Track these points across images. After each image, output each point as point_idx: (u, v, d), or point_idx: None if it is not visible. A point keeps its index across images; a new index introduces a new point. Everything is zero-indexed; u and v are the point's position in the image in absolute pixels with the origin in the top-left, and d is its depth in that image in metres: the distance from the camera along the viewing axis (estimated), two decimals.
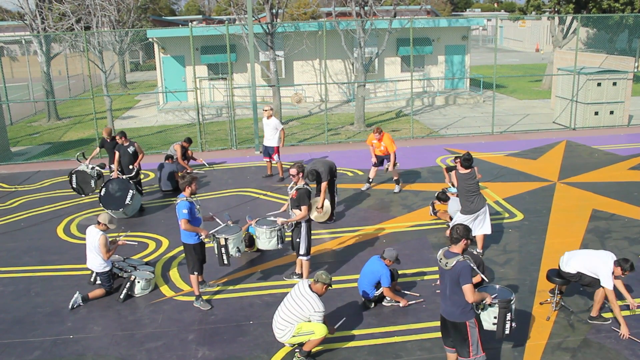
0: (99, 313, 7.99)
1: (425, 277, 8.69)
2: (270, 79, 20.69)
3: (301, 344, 6.71)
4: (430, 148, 16.65)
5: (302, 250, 8.34)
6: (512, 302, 6.16)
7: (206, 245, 8.18)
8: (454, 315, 5.78)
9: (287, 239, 8.69)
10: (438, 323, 7.30)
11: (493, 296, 6.08)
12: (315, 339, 6.59)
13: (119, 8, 20.67)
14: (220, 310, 7.97)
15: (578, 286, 7.57)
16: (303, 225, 8.25)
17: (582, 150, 15.83)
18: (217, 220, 8.56)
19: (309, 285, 6.76)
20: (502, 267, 8.95)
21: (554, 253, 9.19)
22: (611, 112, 18.61)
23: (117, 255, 9.12)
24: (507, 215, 11.14)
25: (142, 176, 12.87)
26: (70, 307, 8.08)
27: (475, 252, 7.90)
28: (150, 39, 25.33)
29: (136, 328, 7.59)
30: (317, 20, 31.70)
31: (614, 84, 18.25)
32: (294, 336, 6.64)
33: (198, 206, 7.93)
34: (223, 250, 8.07)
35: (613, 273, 6.99)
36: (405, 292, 8.21)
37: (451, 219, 9.93)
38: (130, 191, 11.43)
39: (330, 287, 6.92)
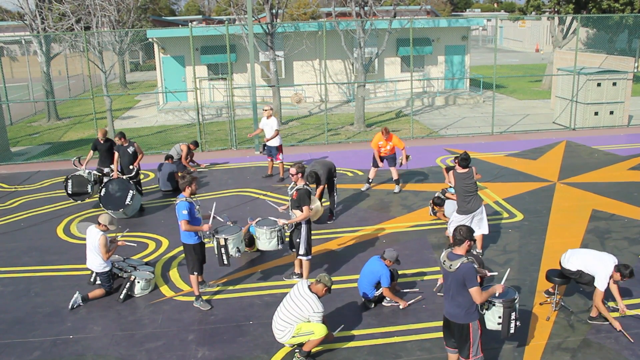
0: (99, 313, 7.99)
1: (425, 278, 8.69)
2: (270, 79, 20.70)
3: (301, 344, 6.71)
4: (430, 148, 16.66)
5: (302, 251, 8.34)
6: (516, 301, 6.17)
7: (206, 246, 8.19)
8: (458, 317, 5.77)
9: (287, 239, 8.70)
10: (438, 323, 7.32)
11: (497, 294, 6.07)
12: (314, 339, 6.59)
13: (119, 8, 20.67)
14: (220, 310, 7.97)
15: (578, 286, 7.56)
16: (303, 225, 8.25)
17: (582, 151, 15.83)
18: (218, 218, 8.57)
19: (309, 286, 6.76)
20: (502, 267, 8.94)
21: (553, 253, 9.19)
22: (611, 112, 18.61)
23: (117, 256, 9.12)
24: (507, 215, 11.15)
25: (142, 176, 12.85)
26: (70, 307, 8.09)
27: (475, 253, 7.91)
28: (150, 39, 25.33)
29: (136, 328, 7.59)
30: (317, 21, 31.72)
31: (614, 84, 18.25)
32: (293, 336, 6.65)
33: (198, 206, 7.93)
34: (223, 250, 8.07)
35: (612, 277, 7.00)
36: (405, 290, 8.20)
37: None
38: (131, 191, 11.43)
39: (329, 292, 6.92)
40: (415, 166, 14.64)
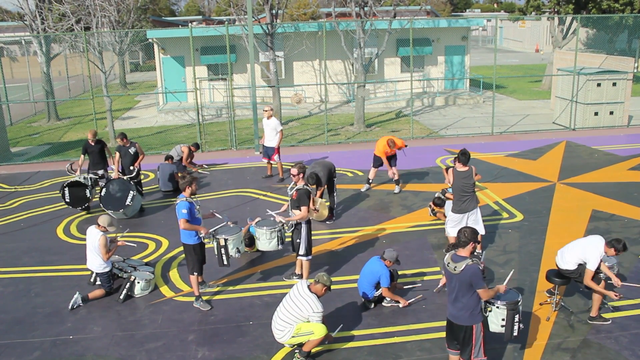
0: (99, 313, 7.99)
1: (425, 278, 8.69)
2: (270, 79, 20.69)
3: (301, 345, 6.71)
4: (430, 148, 16.66)
5: (302, 251, 8.34)
6: (519, 303, 6.17)
7: (206, 246, 8.19)
8: (462, 319, 5.77)
9: (287, 240, 8.70)
10: (438, 324, 7.34)
11: (501, 295, 6.08)
12: (314, 339, 6.60)
13: (119, 9, 20.64)
14: (220, 310, 7.97)
15: (578, 286, 7.56)
16: (303, 225, 8.26)
17: (582, 151, 15.84)
18: (217, 215, 8.58)
19: (308, 286, 6.77)
20: (502, 267, 8.95)
21: (553, 254, 9.13)
22: (611, 113, 18.61)
23: (117, 256, 9.12)
24: (506, 215, 11.15)
25: (142, 177, 12.85)
26: (70, 307, 8.09)
27: (475, 253, 7.90)
28: (150, 40, 25.33)
29: (136, 328, 7.59)
30: (317, 21, 31.73)
31: (614, 84, 18.26)
32: (293, 337, 6.65)
33: (198, 206, 7.93)
34: (223, 250, 8.08)
35: (606, 254, 7.07)
36: (405, 286, 8.19)
37: None
38: (131, 192, 11.43)
39: (329, 291, 6.93)
40: (415, 166, 14.65)
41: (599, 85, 18.17)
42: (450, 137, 18.18)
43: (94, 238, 8.25)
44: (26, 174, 15.47)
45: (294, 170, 8.31)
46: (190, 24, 25.20)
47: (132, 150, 12.00)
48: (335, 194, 11.35)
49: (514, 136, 18.05)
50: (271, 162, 13.90)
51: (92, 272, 8.63)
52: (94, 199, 12.11)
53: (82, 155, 12.36)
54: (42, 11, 21.70)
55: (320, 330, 6.60)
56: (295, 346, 6.79)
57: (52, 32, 21.23)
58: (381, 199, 12.36)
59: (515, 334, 6.20)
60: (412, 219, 11.13)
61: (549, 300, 7.72)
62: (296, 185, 8.34)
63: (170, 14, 63.58)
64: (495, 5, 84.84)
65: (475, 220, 8.89)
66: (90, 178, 11.99)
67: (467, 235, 5.68)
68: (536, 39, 54.09)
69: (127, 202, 11.38)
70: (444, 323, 6.15)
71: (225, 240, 8.05)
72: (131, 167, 11.95)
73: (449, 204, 10.38)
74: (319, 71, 25.72)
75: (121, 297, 8.28)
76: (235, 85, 22.63)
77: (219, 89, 24.63)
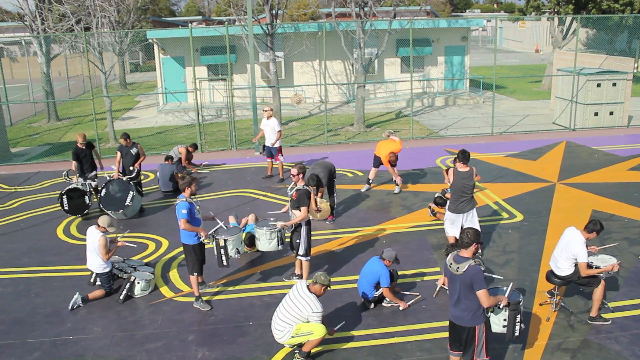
0: (99, 314, 7.99)
1: (425, 278, 8.69)
2: (270, 79, 20.69)
3: (300, 345, 6.71)
4: (430, 149, 16.66)
5: (301, 251, 8.34)
6: (521, 303, 6.16)
7: (206, 247, 8.19)
8: (464, 320, 5.76)
9: (287, 240, 8.70)
10: (438, 324, 7.34)
11: (501, 306, 6.06)
12: (314, 339, 6.60)
13: (119, 9, 20.62)
14: (220, 311, 7.97)
15: (578, 287, 7.56)
16: (303, 226, 8.25)
17: (582, 151, 15.84)
18: (218, 220, 8.57)
19: (307, 286, 6.77)
20: (502, 267, 8.95)
21: None
22: (611, 113, 18.61)
23: (117, 257, 9.13)
24: (506, 216, 11.15)
25: (142, 177, 12.85)
26: (70, 307, 8.09)
27: (477, 254, 7.89)
28: (150, 40, 25.33)
29: (136, 329, 7.59)
30: (317, 21, 31.72)
31: (614, 84, 18.26)
32: (292, 337, 6.65)
33: (198, 207, 7.93)
34: (222, 251, 8.08)
35: (588, 239, 7.10)
36: (404, 292, 8.20)
37: None
38: (131, 192, 11.43)
39: (329, 289, 6.93)
40: (415, 167, 14.65)
41: (598, 85, 18.18)
42: (450, 138, 18.18)
43: (94, 238, 8.25)
44: (26, 175, 15.47)
45: (294, 171, 8.31)
46: (190, 24, 25.20)
47: (133, 150, 11.99)
48: (335, 195, 11.36)
49: (513, 136, 18.05)
50: (275, 161, 13.90)
51: (92, 273, 8.63)
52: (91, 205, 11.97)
53: (74, 162, 11.86)
54: (42, 12, 21.70)
55: (319, 331, 6.60)
56: (295, 346, 6.79)
57: (52, 32, 21.23)
58: (381, 199, 12.36)
59: (516, 334, 6.20)
60: (412, 219, 11.13)
61: (549, 300, 7.72)
62: (296, 185, 8.34)
63: (170, 15, 63.59)
64: (495, 6, 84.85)
65: (471, 222, 8.89)
66: (90, 184, 11.83)
67: (470, 236, 5.66)
68: (536, 39, 54.11)
69: (127, 203, 11.37)
70: (444, 323, 6.15)
71: (225, 241, 8.05)
72: (131, 168, 11.95)
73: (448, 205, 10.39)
74: (319, 71, 25.72)
75: (121, 297, 8.28)
76: (235, 85, 22.64)
77: (218, 89, 24.64)
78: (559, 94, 19.58)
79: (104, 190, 11.56)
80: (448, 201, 10.32)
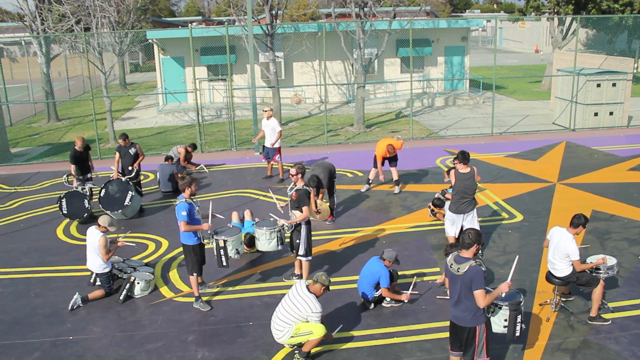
0: (99, 314, 7.99)
1: (425, 278, 8.69)
2: (269, 80, 20.70)
3: (300, 345, 6.71)
4: (429, 149, 16.66)
5: (301, 251, 8.33)
6: (521, 303, 6.16)
7: (205, 247, 8.19)
8: (465, 321, 5.76)
9: (287, 240, 8.70)
10: (437, 324, 7.34)
11: (504, 295, 6.04)
12: (313, 339, 6.60)
13: (119, 9, 20.61)
14: (219, 311, 7.97)
15: (577, 287, 7.56)
16: (303, 226, 8.25)
17: (582, 151, 15.84)
18: (218, 216, 8.57)
19: (307, 286, 6.77)
20: (501, 268, 8.95)
21: None
22: (611, 113, 18.62)
23: (117, 257, 9.13)
24: (506, 216, 11.15)
25: (142, 177, 12.85)
26: (69, 308, 8.08)
27: (477, 255, 7.88)
28: (150, 40, 25.34)
29: (136, 329, 7.59)
30: (317, 22, 31.72)
31: (614, 85, 18.26)
32: (292, 337, 6.65)
33: (197, 207, 7.93)
34: (222, 251, 8.08)
35: (577, 234, 7.17)
36: (403, 291, 8.20)
37: None
38: (130, 192, 11.42)
39: (328, 290, 6.92)
40: (415, 167, 14.65)
41: (598, 85, 18.18)
42: (450, 138, 18.18)
43: (94, 239, 8.26)
44: (26, 175, 15.47)
45: (293, 171, 8.31)
46: (190, 25, 25.21)
47: (132, 150, 11.99)
48: (335, 195, 11.36)
49: (513, 137, 18.05)
50: (272, 162, 13.90)
51: (92, 273, 8.63)
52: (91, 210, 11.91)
53: (72, 166, 11.85)
54: (42, 12, 21.69)
55: (319, 330, 6.60)
56: (295, 346, 6.80)
57: (52, 32, 21.23)
58: (381, 200, 12.36)
59: (517, 334, 6.20)
60: (412, 220, 11.13)
61: (548, 300, 7.72)
62: (296, 185, 8.34)
63: (170, 15, 63.61)
64: (495, 6, 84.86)
65: (471, 222, 8.89)
66: (90, 189, 11.78)
67: (472, 237, 5.67)
68: (536, 40, 54.12)
69: (126, 203, 11.37)
70: (444, 324, 6.15)
71: (225, 241, 8.06)
72: (130, 168, 11.95)
73: (448, 205, 10.38)
74: (319, 72, 25.73)
75: (121, 297, 8.28)
76: (235, 85, 22.63)
77: (218, 89, 24.64)
78: (558, 94, 19.59)
79: (103, 190, 11.56)
80: (448, 202, 10.35)
